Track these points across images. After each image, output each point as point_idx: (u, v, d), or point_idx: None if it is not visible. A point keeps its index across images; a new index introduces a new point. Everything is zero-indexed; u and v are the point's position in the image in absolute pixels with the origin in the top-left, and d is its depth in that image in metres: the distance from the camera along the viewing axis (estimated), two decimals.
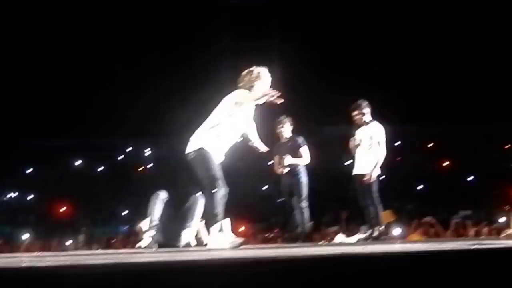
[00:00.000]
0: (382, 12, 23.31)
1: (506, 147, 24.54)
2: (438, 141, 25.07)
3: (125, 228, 22.46)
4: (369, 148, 8.94)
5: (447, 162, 24.87)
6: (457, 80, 22.69)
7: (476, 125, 22.80)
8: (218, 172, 6.28)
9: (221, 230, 6.09)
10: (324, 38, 23.60)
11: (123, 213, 24.26)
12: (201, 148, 6.37)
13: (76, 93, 23.19)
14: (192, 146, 6.46)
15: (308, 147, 9.47)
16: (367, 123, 8.97)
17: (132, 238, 15.69)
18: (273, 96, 6.05)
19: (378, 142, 8.91)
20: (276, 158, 9.43)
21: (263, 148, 6.71)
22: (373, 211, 8.94)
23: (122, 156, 26.84)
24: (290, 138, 9.43)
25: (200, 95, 23.83)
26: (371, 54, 23.06)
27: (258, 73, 6.59)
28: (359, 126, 9.03)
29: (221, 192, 6.20)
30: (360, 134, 9.00)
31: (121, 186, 24.35)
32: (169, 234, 7.20)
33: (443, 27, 22.86)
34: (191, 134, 6.61)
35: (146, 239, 7.06)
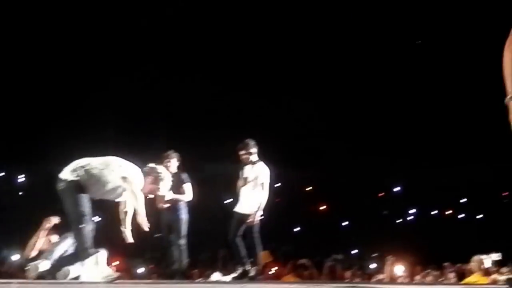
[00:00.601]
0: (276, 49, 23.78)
1: (380, 195, 25.57)
2: (316, 185, 25.73)
3: None
4: (253, 188, 9.06)
5: (324, 206, 25.55)
6: (340, 128, 23.40)
7: (355, 172, 23.61)
8: (86, 206, 6.13)
9: (96, 263, 5.93)
10: (211, 72, 23.77)
11: None
12: (72, 181, 6.20)
13: None
14: (61, 178, 6.28)
15: (192, 184, 9.44)
16: (253, 163, 9.09)
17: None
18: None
19: (262, 184, 9.06)
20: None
21: (142, 223, 6.50)
22: (251, 251, 9.00)
23: None
24: (174, 174, 9.37)
25: (78, 126, 23.47)
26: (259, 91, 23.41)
27: (160, 173, 6.54)
28: (245, 165, 9.13)
29: (88, 227, 6.06)
30: (246, 173, 9.11)
31: None
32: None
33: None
34: (67, 163, 6.40)
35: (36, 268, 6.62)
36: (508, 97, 3.86)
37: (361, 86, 22.61)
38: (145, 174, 6.42)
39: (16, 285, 3.87)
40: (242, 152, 9.10)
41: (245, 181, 9.04)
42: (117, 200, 6.47)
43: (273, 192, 28.73)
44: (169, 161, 9.24)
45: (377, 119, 22.03)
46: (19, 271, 13.66)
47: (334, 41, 21.16)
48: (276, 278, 12.08)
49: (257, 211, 9.03)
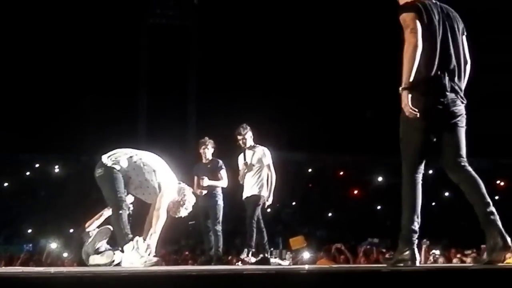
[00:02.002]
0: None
1: None
2: (349, 170, 25.64)
3: (28, 246, 21.73)
4: (257, 171, 9.03)
5: (357, 191, 25.46)
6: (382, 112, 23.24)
7: (388, 155, 23.41)
8: (124, 192, 6.16)
9: (134, 248, 5.96)
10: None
11: (28, 231, 23.51)
12: (110, 167, 6.24)
13: None
14: (101, 164, 6.30)
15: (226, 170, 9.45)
16: (252, 147, 9.07)
17: (36, 257, 15.16)
18: None
19: (268, 165, 9.01)
20: (195, 179, 9.35)
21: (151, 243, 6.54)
22: (249, 232, 8.95)
23: (29, 172, 25.99)
24: (210, 160, 9.38)
25: (112, 117, 23.71)
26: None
27: (186, 199, 6.54)
28: (245, 150, 9.13)
29: (127, 212, 6.09)
30: (248, 158, 9.09)
31: (26, 203, 23.59)
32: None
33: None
34: (102, 154, 6.43)
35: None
36: (402, 87, 4.26)
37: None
38: (177, 192, 6.44)
39: (54, 272, 3.92)
40: (239, 137, 9.10)
41: (247, 165, 9.03)
42: (143, 199, 6.49)
43: (307, 178, 28.74)
44: (206, 147, 9.26)
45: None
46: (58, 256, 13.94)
47: None
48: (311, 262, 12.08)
49: (269, 193, 8.97)
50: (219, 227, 9.14)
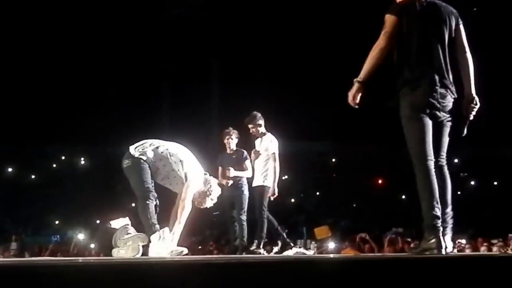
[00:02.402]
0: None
1: None
2: (373, 159, 25.53)
3: (56, 237, 22.01)
4: (265, 160, 9.00)
5: (381, 181, 25.36)
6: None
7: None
8: (151, 183, 6.23)
9: (161, 238, 6.01)
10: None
11: (55, 222, 23.81)
12: (137, 158, 6.34)
13: (10, 99, 22.66)
14: (128, 155, 6.37)
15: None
16: (262, 135, 9.02)
17: (63, 248, 15.37)
18: None
19: (274, 154, 8.95)
20: (220, 169, 9.37)
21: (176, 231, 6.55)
22: (259, 223, 8.94)
23: (55, 164, 26.30)
24: (235, 150, 9.38)
25: (136, 108, 23.88)
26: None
27: (212, 190, 6.57)
28: (255, 138, 9.10)
29: (154, 203, 6.15)
30: (257, 146, 9.07)
31: (53, 195, 23.87)
32: None
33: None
34: (127, 145, 6.49)
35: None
36: (356, 79, 4.68)
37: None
38: (203, 183, 6.47)
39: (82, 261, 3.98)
40: (250, 126, 9.07)
41: (257, 154, 9.01)
42: (170, 189, 6.53)
43: (330, 168, 28.65)
44: (230, 138, 9.26)
45: None
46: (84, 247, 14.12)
47: None
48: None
49: (274, 183, 8.91)
50: (244, 217, 9.17)
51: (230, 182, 9.17)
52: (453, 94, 4.66)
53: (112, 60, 23.56)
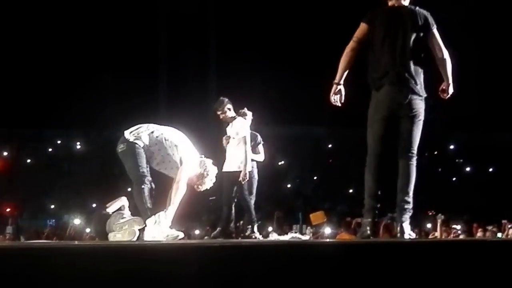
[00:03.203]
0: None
1: (435, 153, 25.25)
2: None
3: (52, 221, 22.04)
4: (237, 145, 8.79)
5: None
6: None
7: None
8: (146, 167, 6.28)
9: (157, 222, 6.02)
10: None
11: (51, 207, 23.80)
12: (132, 142, 6.32)
13: (5, 82, 22.57)
14: (123, 139, 6.37)
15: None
16: (232, 119, 8.81)
17: (58, 232, 15.40)
18: None
19: (244, 138, 8.75)
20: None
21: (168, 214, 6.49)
22: (246, 208, 8.75)
23: (51, 149, 26.21)
24: (250, 133, 9.15)
25: (133, 93, 23.81)
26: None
27: (208, 171, 6.50)
28: (226, 124, 8.90)
29: (149, 187, 6.15)
30: (228, 131, 8.88)
31: (49, 179, 23.86)
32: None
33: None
34: (123, 129, 6.48)
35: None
36: (334, 81, 5.22)
37: None
38: (198, 165, 6.46)
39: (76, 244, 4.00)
40: (219, 112, 8.87)
41: (227, 139, 8.83)
42: (166, 173, 6.53)
43: (327, 153, 28.62)
44: (244, 118, 9.05)
45: None
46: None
47: None
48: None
49: (245, 167, 8.64)
50: (253, 200, 8.96)
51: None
52: (418, 92, 4.99)
53: (108, 42, 23.48)
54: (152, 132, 6.37)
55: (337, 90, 5.23)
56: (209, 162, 6.60)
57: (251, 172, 8.85)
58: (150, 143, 6.32)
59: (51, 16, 22.74)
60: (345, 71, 5.15)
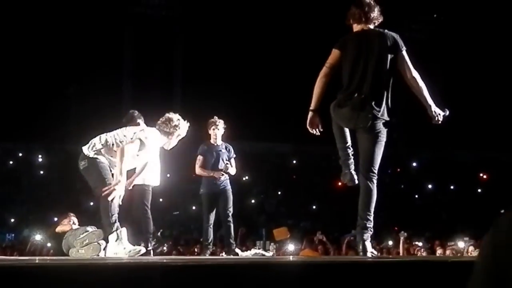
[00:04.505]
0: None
1: (398, 170, 25.52)
2: (332, 162, 25.63)
3: (10, 235, 21.63)
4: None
5: (340, 183, 25.51)
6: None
7: None
8: (112, 179, 6.19)
9: (118, 239, 5.96)
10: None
11: (11, 220, 23.36)
12: (95, 158, 6.25)
13: None
14: (83, 156, 6.32)
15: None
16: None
17: (18, 247, 15.12)
18: None
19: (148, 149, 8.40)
20: (201, 159, 8.80)
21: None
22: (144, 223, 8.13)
23: (12, 162, 25.77)
24: (222, 143, 8.87)
25: (96, 106, 23.61)
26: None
27: (179, 123, 6.47)
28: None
29: (116, 201, 6.08)
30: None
31: (9, 193, 23.43)
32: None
33: None
34: (85, 143, 6.43)
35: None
36: (310, 109, 5.28)
37: None
38: (163, 131, 6.39)
39: (38, 261, 3.91)
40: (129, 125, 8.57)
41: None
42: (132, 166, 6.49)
43: (291, 169, 28.64)
44: (216, 128, 8.76)
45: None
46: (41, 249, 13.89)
47: None
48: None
49: (134, 178, 8.01)
50: (231, 215, 8.69)
51: (223, 177, 8.68)
52: (381, 117, 5.04)
53: (72, 56, 23.28)
54: (106, 141, 6.33)
55: (312, 117, 5.28)
56: (175, 116, 6.58)
57: (229, 186, 8.65)
58: (108, 152, 6.29)
59: (11, 30, 22.47)
60: (319, 96, 5.21)
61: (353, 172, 5.37)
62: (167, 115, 6.58)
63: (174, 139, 6.58)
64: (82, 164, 6.30)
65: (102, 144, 6.32)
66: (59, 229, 7.17)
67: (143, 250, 6.12)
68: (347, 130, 5.32)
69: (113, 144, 6.30)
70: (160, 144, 6.59)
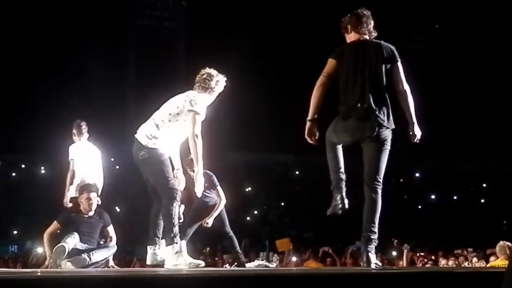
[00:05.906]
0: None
1: (401, 180, 25.47)
2: None
3: (13, 247, 21.62)
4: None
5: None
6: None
7: None
8: (173, 178, 5.61)
9: (178, 253, 5.62)
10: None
11: (14, 232, 23.37)
12: (155, 149, 5.60)
13: None
14: (140, 145, 5.63)
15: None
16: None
17: (21, 259, 15.08)
18: None
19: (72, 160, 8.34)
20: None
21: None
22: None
23: (14, 173, 25.78)
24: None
25: (100, 117, 23.64)
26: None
27: (219, 77, 5.83)
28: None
29: (179, 204, 5.62)
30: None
31: (12, 205, 23.43)
32: None
33: None
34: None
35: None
36: (308, 119, 5.18)
37: None
38: None
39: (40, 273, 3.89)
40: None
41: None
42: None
43: (294, 180, 28.58)
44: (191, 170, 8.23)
45: None
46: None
47: None
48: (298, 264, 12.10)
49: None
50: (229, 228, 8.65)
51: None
52: (386, 125, 5.03)
53: (76, 67, 23.35)
54: (157, 126, 5.71)
55: (310, 126, 5.21)
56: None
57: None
58: (164, 136, 5.69)
59: (17, 39, 22.55)
60: (317, 106, 5.18)
61: (344, 196, 5.35)
62: (204, 70, 5.89)
63: (214, 96, 5.94)
64: (141, 154, 5.63)
65: (158, 130, 5.68)
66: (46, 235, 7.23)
67: (203, 263, 5.79)
68: (341, 154, 5.31)
69: (168, 124, 5.70)
70: (208, 104, 5.89)
